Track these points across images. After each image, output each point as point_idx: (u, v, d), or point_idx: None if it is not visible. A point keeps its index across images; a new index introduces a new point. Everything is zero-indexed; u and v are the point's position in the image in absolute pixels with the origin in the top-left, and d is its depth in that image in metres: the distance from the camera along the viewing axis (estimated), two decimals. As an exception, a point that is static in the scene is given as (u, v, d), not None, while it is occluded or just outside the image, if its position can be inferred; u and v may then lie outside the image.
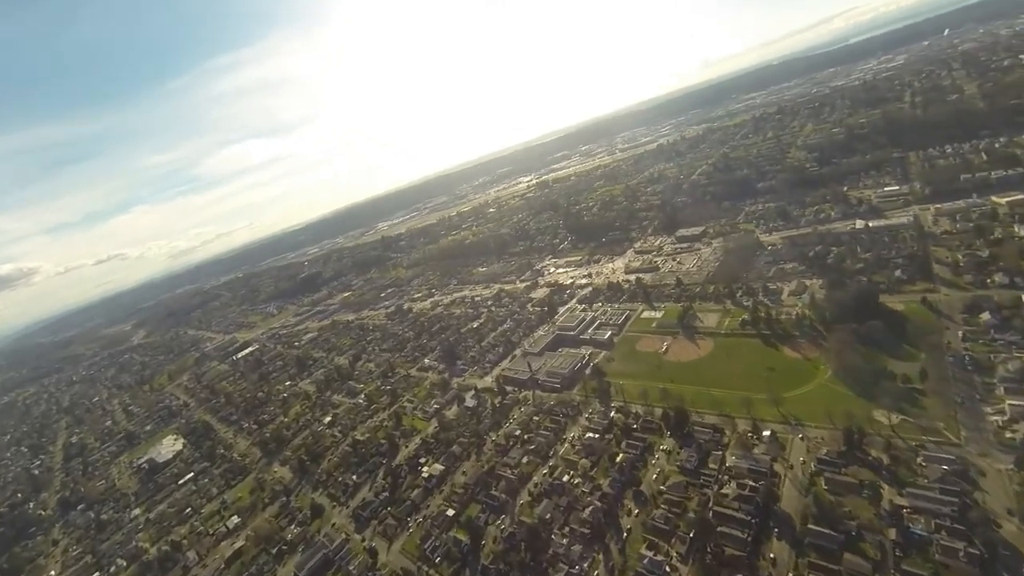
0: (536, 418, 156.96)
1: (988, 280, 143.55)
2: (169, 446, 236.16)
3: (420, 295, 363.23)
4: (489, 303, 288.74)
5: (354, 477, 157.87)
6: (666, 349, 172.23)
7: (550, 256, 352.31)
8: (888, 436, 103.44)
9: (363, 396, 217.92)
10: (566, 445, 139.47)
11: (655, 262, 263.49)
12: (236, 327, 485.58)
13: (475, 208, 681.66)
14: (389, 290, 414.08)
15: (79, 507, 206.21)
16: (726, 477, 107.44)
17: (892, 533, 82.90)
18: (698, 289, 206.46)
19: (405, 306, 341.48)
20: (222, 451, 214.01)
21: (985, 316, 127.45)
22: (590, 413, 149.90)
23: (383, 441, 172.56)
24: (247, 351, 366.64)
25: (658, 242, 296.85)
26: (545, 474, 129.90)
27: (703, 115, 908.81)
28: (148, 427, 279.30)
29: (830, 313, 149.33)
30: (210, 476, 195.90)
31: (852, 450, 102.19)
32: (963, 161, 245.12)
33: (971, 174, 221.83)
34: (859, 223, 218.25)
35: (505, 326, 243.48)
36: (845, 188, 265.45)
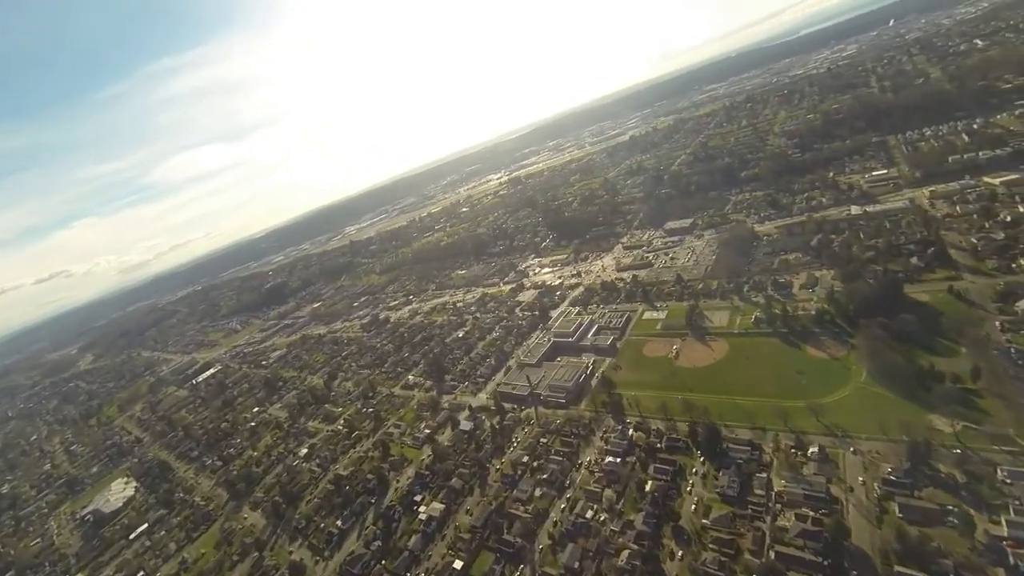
0: (543, 440, 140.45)
1: (1013, 265, 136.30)
2: (118, 492, 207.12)
3: (397, 303, 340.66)
4: (473, 309, 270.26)
5: (339, 523, 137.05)
6: (676, 353, 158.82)
7: (533, 255, 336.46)
8: (953, 447, 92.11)
9: (342, 421, 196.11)
10: (583, 472, 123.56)
11: (647, 257, 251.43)
12: (195, 346, 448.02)
13: (447, 208, 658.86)
14: (363, 298, 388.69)
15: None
16: (779, 506, 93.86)
17: (1000, 574, 70.71)
18: (700, 285, 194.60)
19: (381, 316, 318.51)
20: (181, 495, 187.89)
21: (1022, 304, 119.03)
22: (605, 432, 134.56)
23: (370, 476, 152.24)
24: (208, 373, 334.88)
25: (646, 236, 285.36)
26: (564, 510, 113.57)
27: (669, 107, 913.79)
28: (94, 469, 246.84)
29: (852, 307, 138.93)
30: (167, 527, 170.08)
31: (918, 466, 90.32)
32: (946, 143, 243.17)
33: (959, 155, 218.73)
34: (854, 209, 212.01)
35: (494, 334, 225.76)
36: (831, 174, 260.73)
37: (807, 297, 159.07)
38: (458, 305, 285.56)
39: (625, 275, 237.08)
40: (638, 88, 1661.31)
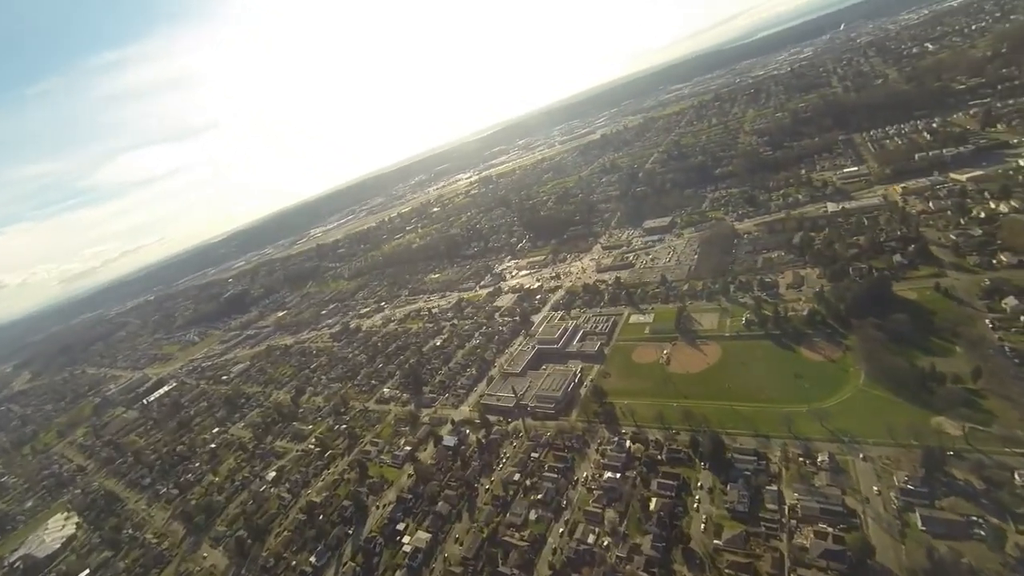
0: (535, 455, 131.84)
1: (994, 261, 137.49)
2: (56, 530, 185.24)
3: (368, 310, 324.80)
4: (450, 315, 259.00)
5: (312, 559, 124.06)
6: (668, 359, 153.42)
7: (509, 257, 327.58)
8: (964, 451, 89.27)
9: (313, 440, 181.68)
10: (580, 489, 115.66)
11: (627, 258, 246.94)
12: (148, 361, 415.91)
13: (416, 208, 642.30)
14: (331, 306, 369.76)
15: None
16: (794, 522, 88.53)
17: (1039, 593, 67.13)
18: (685, 287, 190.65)
19: (352, 324, 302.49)
20: (131, 532, 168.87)
21: (1011, 301, 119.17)
22: (600, 444, 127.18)
23: (346, 502, 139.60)
24: (162, 391, 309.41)
25: (625, 235, 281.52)
26: (563, 534, 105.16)
27: (636, 106, 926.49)
28: (28, 504, 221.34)
29: (844, 307, 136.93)
30: (114, 572, 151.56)
31: (933, 473, 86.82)
32: (910, 141, 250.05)
33: (925, 152, 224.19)
34: (830, 206, 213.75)
35: (474, 342, 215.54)
36: (804, 171, 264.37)
37: (795, 297, 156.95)
38: (434, 311, 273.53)
39: (606, 276, 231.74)
40: (604, 88, 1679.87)
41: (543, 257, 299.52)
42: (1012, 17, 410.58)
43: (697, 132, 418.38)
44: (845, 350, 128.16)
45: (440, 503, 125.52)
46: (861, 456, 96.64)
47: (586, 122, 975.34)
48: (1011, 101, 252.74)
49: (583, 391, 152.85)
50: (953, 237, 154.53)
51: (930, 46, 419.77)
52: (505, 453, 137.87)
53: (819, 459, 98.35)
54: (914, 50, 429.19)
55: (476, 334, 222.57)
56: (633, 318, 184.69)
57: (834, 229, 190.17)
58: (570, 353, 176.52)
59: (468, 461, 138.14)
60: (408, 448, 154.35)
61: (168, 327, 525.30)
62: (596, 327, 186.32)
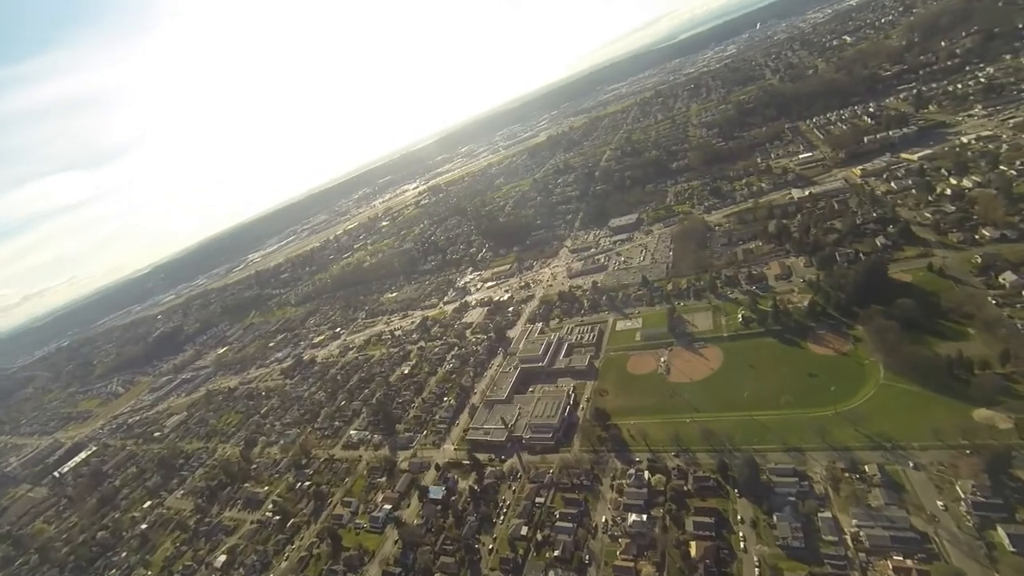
0: (540, 500, 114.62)
1: (976, 236, 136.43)
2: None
3: (322, 338, 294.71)
4: (415, 337, 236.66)
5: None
6: (667, 367, 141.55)
7: (471, 269, 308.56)
8: (1018, 446, 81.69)
9: (271, 506, 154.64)
10: (603, 538, 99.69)
11: (598, 260, 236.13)
12: (60, 423, 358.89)
13: (364, 224, 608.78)
14: (279, 336, 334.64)
15: None
16: (862, 555, 77.01)
17: None
18: (669, 286, 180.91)
19: (306, 356, 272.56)
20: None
21: (1009, 276, 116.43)
22: (614, 478, 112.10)
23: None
24: (78, 459, 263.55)
25: (591, 236, 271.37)
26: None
27: (575, 107, 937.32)
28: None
29: (844, 296, 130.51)
30: None
31: (999, 478, 78.30)
32: (853, 126, 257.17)
33: (873, 136, 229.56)
34: (795, 192, 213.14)
35: (447, 366, 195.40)
36: (759, 159, 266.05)
37: (787, 288, 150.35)
38: (396, 334, 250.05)
39: (580, 281, 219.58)
40: (540, 93, 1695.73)
41: (508, 266, 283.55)
42: (914, 10, 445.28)
43: (646, 128, 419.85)
44: (854, 341, 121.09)
45: (436, 575, 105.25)
46: (911, 464, 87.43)
47: (527, 126, 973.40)
48: (934, 85, 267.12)
49: (581, 414, 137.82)
50: (929, 215, 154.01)
51: (848, 39, 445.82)
52: (504, 500, 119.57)
53: (866, 470, 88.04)
54: (834, 43, 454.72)
55: (448, 356, 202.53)
56: (620, 324, 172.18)
57: (806, 215, 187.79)
58: (558, 370, 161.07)
59: (462, 516, 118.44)
60: (388, 506, 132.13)
61: (85, 378, 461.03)
62: (582, 338, 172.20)
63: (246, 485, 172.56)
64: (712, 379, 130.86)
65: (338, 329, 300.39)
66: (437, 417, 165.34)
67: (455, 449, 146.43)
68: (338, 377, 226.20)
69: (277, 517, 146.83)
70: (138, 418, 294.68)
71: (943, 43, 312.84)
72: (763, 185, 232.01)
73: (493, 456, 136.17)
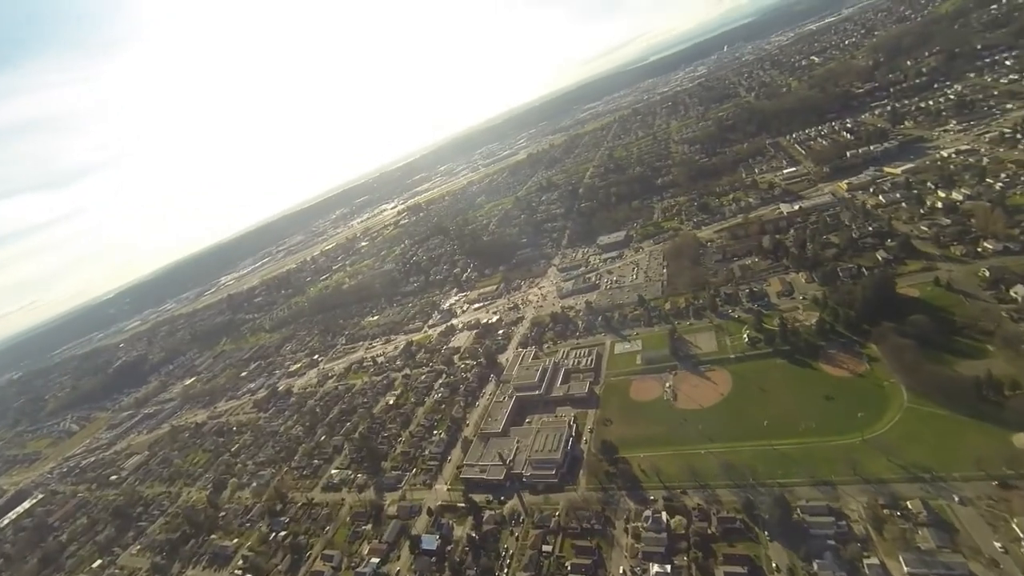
0: (547, 548, 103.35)
1: (979, 249, 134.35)
2: None
3: (299, 366, 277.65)
4: (400, 364, 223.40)
5: None
6: (673, 393, 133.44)
7: (455, 290, 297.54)
8: (1069, 478, 75.75)
9: (242, 561, 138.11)
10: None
11: (589, 278, 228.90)
12: (3, 466, 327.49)
13: (342, 244, 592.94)
14: (253, 365, 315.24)
15: None
16: (920, 611, 68.73)
17: None
18: (667, 305, 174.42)
19: (281, 386, 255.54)
20: None
21: (1020, 289, 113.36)
22: (628, 521, 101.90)
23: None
24: (20, 510, 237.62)
25: (579, 254, 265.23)
26: (618, 671, 77.61)
27: (554, 125, 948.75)
28: None
29: (854, 312, 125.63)
30: None
31: (1055, 515, 71.72)
32: (833, 141, 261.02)
33: (855, 150, 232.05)
34: (784, 207, 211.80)
35: (436, 395, 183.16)
36: (743, 174, 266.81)
37: (791, 306, 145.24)
38: (379, 360, 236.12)
39: (572, 302, 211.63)
40: (518, 112, 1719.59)
41: (494, 287, 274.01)
42: (876, 32, 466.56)
43: (627, 144, 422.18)
44: (869, 361, 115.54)
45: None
46: (956, 499, 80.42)
47: (506, 144, 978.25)
48: (907, 101, 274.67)
49: (585, 446, 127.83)
50: (926, 228, 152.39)
51: (816, 59, 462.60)
52: (507, 549, 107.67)
53: (912, 509, 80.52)
54: (803, 62, 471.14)
55: (436, 385, 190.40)
56: (618, 347, 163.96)
57: (800, 230, 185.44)
58: (556, 399, 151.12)
59: (460, 569, 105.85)
60: (375, 559, 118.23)
61: (34, 415, 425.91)
62: (579, 363, 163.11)
63: (213, 537, 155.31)
64: (723, 405, 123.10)
65: (316, 356, 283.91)
66: (427, 453, 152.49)
67: (448, 489, 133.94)
68: (317, 409, 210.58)
69: (248, 575, 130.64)
70: (93, 459, 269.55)
71: (908, 62, 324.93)
72: (751, 200, 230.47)
73: (491, 497, 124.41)
